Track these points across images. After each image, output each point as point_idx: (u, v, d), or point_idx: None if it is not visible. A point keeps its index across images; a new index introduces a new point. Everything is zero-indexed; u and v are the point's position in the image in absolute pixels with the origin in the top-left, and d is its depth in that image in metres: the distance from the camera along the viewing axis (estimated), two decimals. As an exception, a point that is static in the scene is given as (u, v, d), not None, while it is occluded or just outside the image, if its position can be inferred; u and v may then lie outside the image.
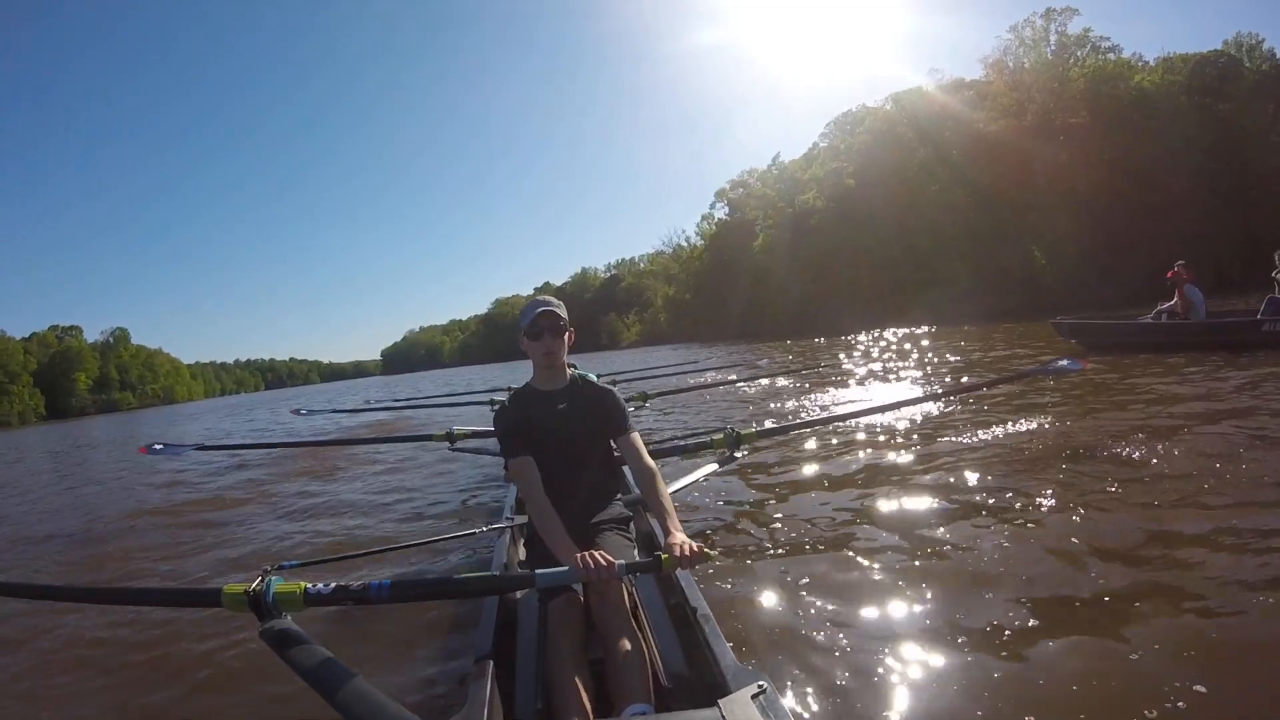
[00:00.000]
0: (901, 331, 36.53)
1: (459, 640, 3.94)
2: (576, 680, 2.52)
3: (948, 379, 8.12)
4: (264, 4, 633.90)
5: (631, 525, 3.58)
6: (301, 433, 12.22)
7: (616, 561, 2.73)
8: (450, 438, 7.93)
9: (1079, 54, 58.50)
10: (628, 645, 2.61)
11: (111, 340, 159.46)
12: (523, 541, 3.72)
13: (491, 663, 2.67)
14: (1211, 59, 56.34)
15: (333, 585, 2.77)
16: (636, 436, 3.53)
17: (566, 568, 2.77)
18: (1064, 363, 7.34)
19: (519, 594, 3.48)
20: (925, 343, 23.13)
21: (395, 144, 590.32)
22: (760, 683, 2.21)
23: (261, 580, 2.71)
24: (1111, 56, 58.16)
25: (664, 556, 2.79)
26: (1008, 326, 28.18)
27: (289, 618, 2.68)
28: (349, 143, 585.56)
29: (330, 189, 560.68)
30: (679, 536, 2.87)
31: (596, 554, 2.73)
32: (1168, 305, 14.68)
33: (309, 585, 2.74)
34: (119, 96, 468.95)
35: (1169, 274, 14.60)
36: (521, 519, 3.98)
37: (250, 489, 8.07)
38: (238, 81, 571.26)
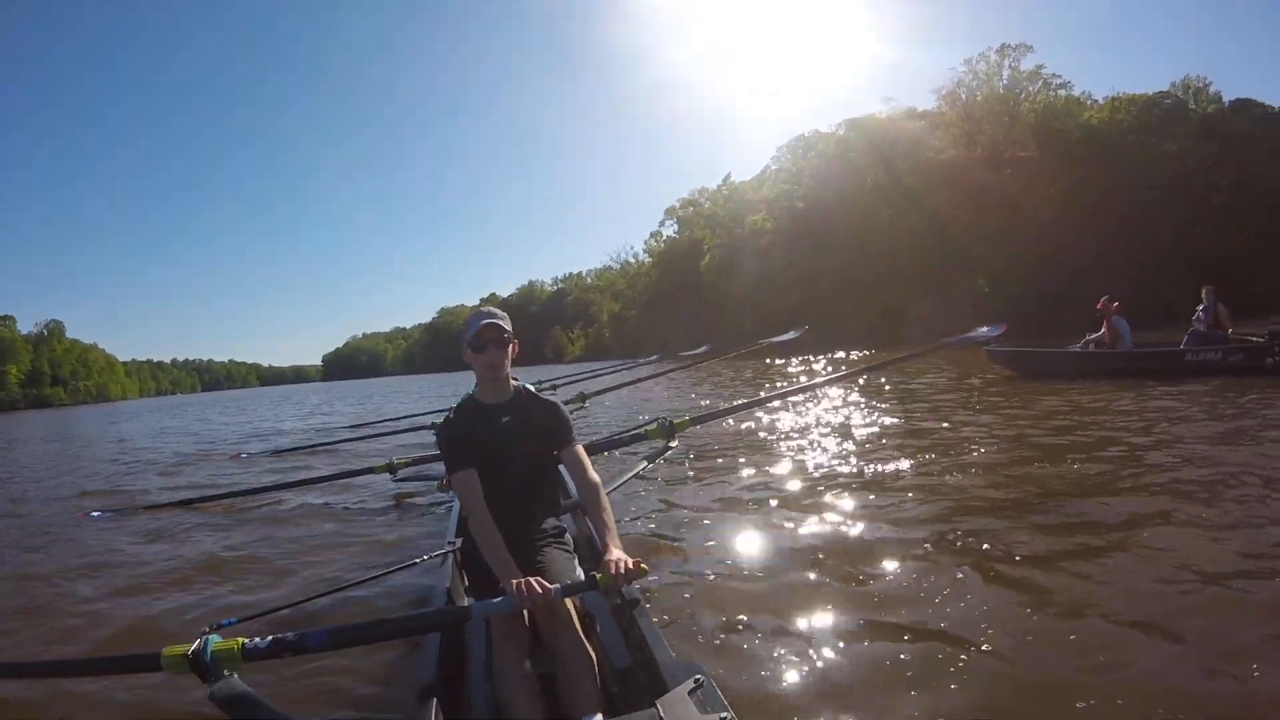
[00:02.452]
0: (853, 353, 37.89)
1: (407, 671, 3.72)
2: (525, 697, 2.54)
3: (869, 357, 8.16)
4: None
5: (569, 537, 3.57)
6: (240, 472, 11.72)
7: (552, 586, 2.77)
8: (391, 468, 8.24)
9: (1030, 89, 59.78)
10: (575, 657, 2.65)
11: (45, 333, 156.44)
12: (465, 565, 3.74)
13: (436, 690, 2.61)
14: (1158, 100, 58.21)
15: (270, 639, 2.74)
16: (580, 449, 3.55)
17: (503, 598, 2.78)
18: (984, 330, 7.66)
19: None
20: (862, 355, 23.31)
21: (344, 148, 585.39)
22: (697, 676, 2.26)
23: (200, 640, 2.68)
24: (1062, 93, 59.71)
25: (600, 576, 2.86)
26: (954, 354, 28.54)
27: (235, 676, 2.64)
28: (297, 143, 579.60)
29: (276, 190, 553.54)
30: (615, 554, 2.94)
31: (534, 581, 2.75)
32: (1096, 335, 15.34)
33: (246, 641, 2.72)
34: (58, 85, 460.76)
35: (1098, 306, 15.15)
36: (458, 541, 3.88)
37: (178, 538, 7.48)
38: (179, 75, 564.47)
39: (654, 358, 20.21)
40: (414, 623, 3.01)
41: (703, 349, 16.24)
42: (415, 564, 3.81)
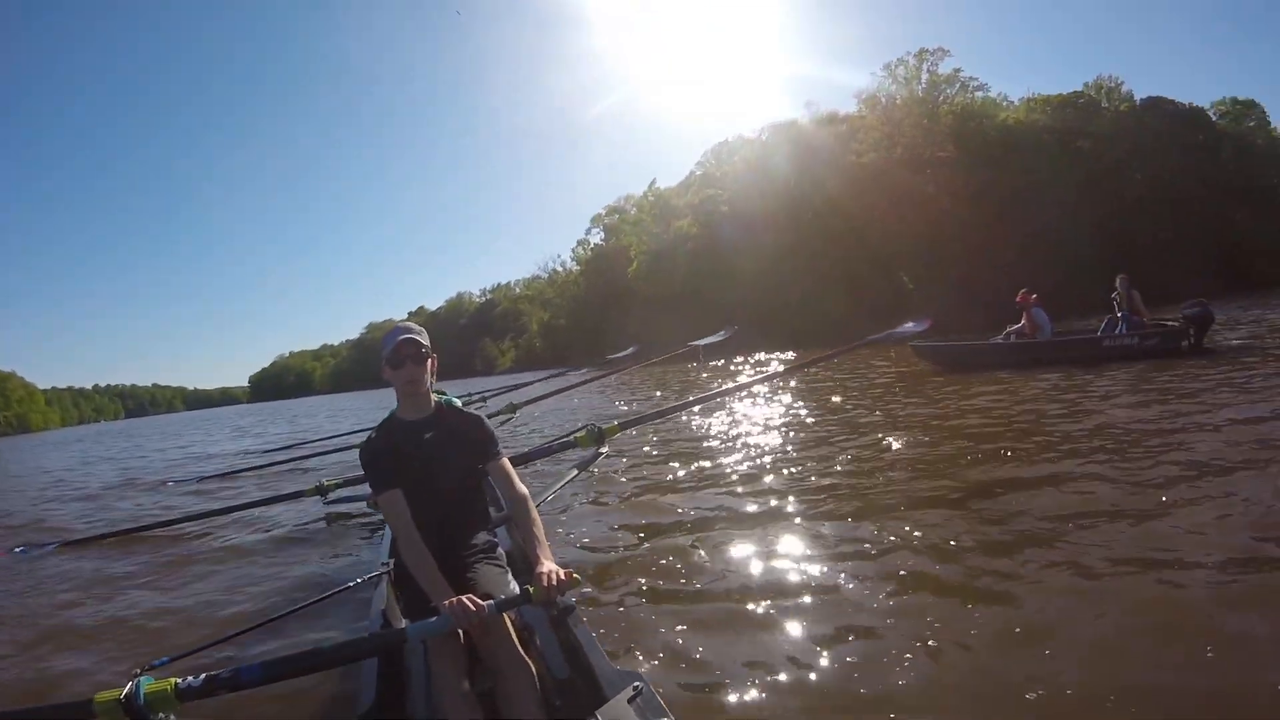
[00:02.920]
0: (775, 354, 39.12)
1: (349, 698, 3.55)
2: (466, 715, 2.54)
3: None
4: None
5: (501, 551, 3.56)
6: (168, 500, 11.56)
7: (486, 603, 2.77)
8: (321, 490, 8.11)
9: (949, 92, 60.43)
10: (514, 672, 2.66)
11: None
12: (399, 585, 3.66)
13: (377, 717, 2.68)
14: (1072, 99, 60.10)
15: (203, 677, 2.68)
16: (506, 462, 3.56)
17: (438, 618, 2.75)
18: (909, 325, 7.66)
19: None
20: (790, 357, 23.59)
21: (265, 164, 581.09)
22: (636, 684, 2.31)
23: (132, 684, 2.60)
24: (979, 95, 60.67)
25: (533, 589, 2.85)
26: (878, 349, 29.06)
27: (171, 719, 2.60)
28: (216, 159, 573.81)
29: (196, 211, 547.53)
30: (547, 565, 2.94)
31: (467, 599, 2.74)
32: (1016, 327, 15.94)
33: (179, 681, 2.65)
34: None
35: (1017, 299, 15.79)
36: (388, 563, 3.82)
37: (105, 575, 7.11)
38: (90, 82, 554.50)
39: (584, 370, 20.03)
40: (349, 650, 2.85)
41: (630, 350, 16.18)
42: (349, 587, 3.75)
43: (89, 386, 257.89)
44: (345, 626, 4.77)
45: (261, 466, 13.99)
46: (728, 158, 72.01)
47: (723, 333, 14.38)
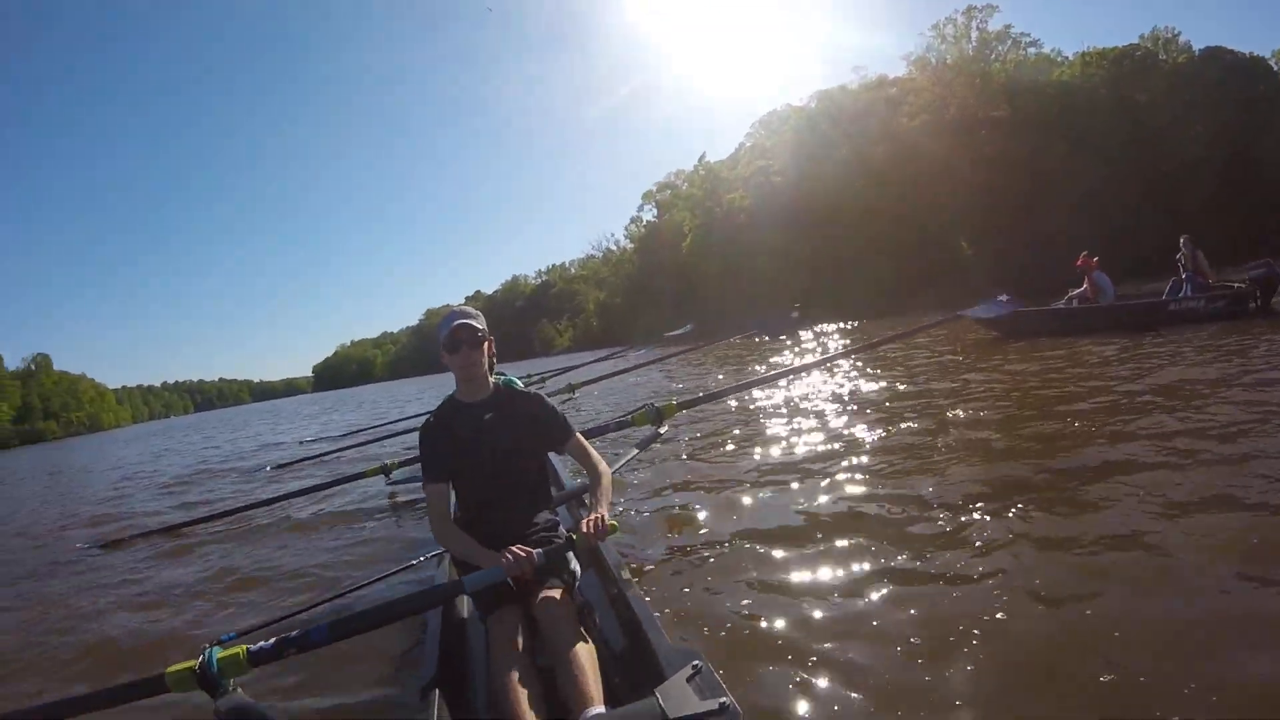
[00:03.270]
0: (837, 325, 38.02)
1: (406, 670, 3.86)
2: (524, 692, 2.50)
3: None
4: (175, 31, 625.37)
5: (562, 530, 3.54)
6: (235, 491, 11.74)
7: (535, 551, 2.87)
8: (385, 470, 8.34)
9: (1000, 50, 59.21)
10: (576, 650, 2.61)
11: (33, 367, 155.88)
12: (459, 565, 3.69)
13: (437, 689, 2.66)
14: (1129, 53, 57.76)
15: (273, 640, 2.78)
16: (580, 438, 3.63)
17: (491, 569, 2.89)
18: (997, 301, 7.15)
19: (464, 614, 3.63)
20: (848, 327, 23.20)
21: (316, 158, 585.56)
22: (695, 662, 2.26)
23: (204, 653, 2.70)
24: (1032, 51, 59.29)
25: (575, 536, 2.98)
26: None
27: (240, 691, 2.67)
28: (271, 157, 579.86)
29: (256, 206, 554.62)
30: (590, 515, 3.04)
31: (515, 549, 2.87)
32: (1078, 291, 15.53)
33: (250, 646, 2.75)
34: (34, 111, 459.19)
35: (1077, 262, 15.39)
36: None
37: (175, 562, 7.37)
38: (153, 95, 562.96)
39: (642, 350, 19.99)
40: (408, 604, 2.98)
41: (686, 328, 16.13)
42: (411, 565, 3.85)
43: (158, 384, 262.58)
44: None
45: (331, 452, 14.16)
46: (777, 128, 71.43)
47: (687, 326, 15.09)
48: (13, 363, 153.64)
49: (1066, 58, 60.53)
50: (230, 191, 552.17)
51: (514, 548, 2.87)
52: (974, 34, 59.59)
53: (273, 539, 7.77)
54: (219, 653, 2.70)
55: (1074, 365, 10.74)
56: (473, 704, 2.92)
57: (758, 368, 11.37)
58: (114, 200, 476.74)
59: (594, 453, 3.59)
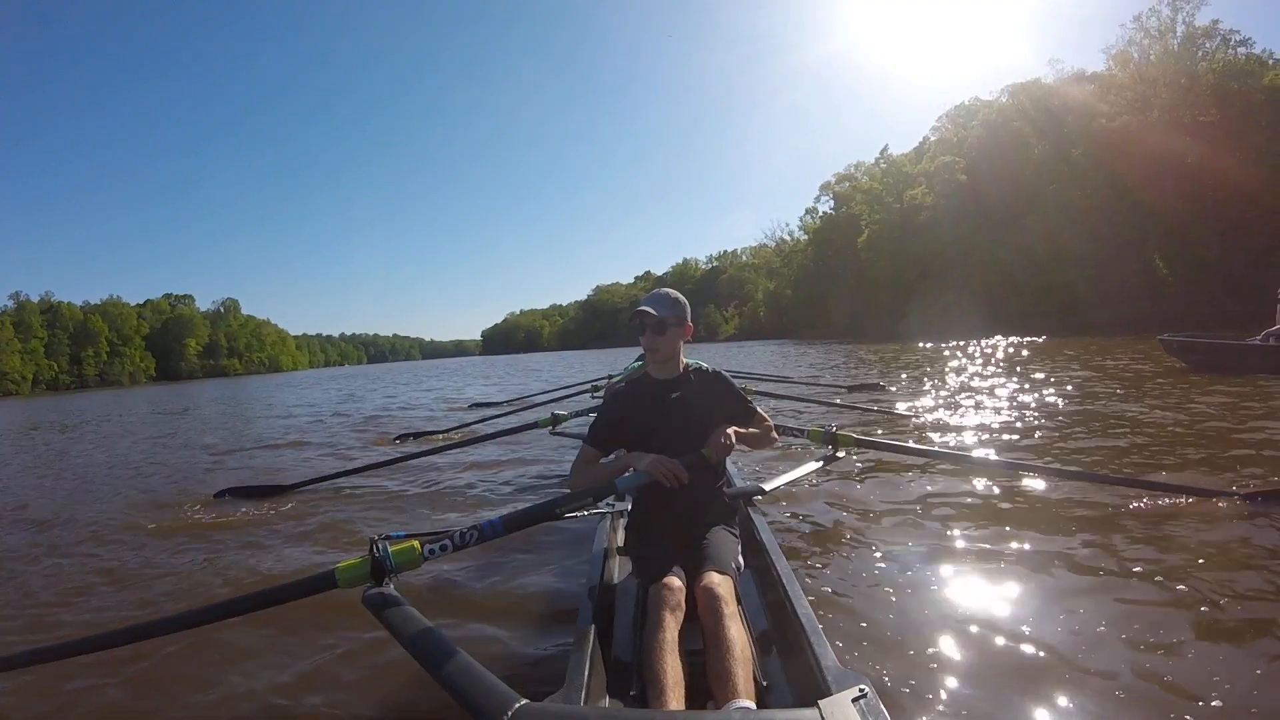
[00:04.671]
0: (1014, 340, 35.51)
1: (557, 620, 4.06)
2: (675, 667, 2.50)
3: (1092, 455, 7.39)
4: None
5: (736, 520, 3.63)
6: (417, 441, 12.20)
7: (675, 459, 3.23)
8: (554, 420, 8.62)
9: (1207, 46, 54.76)
10: (731, 638, 2.58)
11: (222, 310, 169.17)
12: (622, 526, 3.98)
13: (590, 644, 2.68)
14: None
15: (445, 537, 2.97)
16: (761, 413, 3.89)
17: (639, 472, 3.26)
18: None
19: (618, 580, 3.69)
20: (1040, 359, 22.11)
21: (504, 133, 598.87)
22: (862, 686, 2.17)
23: (378, 545, 2.82)
24: (1242, 51, 54.29)
25: (705, 451, 3.34)
26: (1126, 341, 27.20)
27: (392, 586, 2.78)
28: (458, 131, 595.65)
29: (438, 175, 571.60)
30: (725, 431, 3.41)
31: (662, 458, 3.24)
32: (1276, 328, 14.10)
33: (425, 542, 2.91)
34: (235, 86, 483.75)
35: (1277, 293, 14.36)
36: (623, 505, 4.08)
37: (353, 498, 7.83)
38: (350, 69, 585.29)
39: (821, 376, 19.69)
40: (575, 499, 3.22)
41: (880, 388, 15.45)
42: (576, 518, 3.69)
43: (336, 335, 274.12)
44: (565, 559, 5.12)
45: (506, 414, 14.51)
46: (965, 122, 69.23)
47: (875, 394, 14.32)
48: (204, 304, 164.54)
49: (1279, 60, 54.59)
50: (417, 161, 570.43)
51: (662, 457, 3.23)
52: (1179, 28, 55.43)
53: (448, 476, 8.39)
54: (393, 546, 2.83)
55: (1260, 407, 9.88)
56: (620, 666, 2.93)
57: (944, 414, 10.54)
58: (310, 164, 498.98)
59: (770, 422, 3.89)
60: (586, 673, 2.49)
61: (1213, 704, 2.81)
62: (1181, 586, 3.90)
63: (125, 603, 4.91)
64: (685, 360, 3.76)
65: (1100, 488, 5.89)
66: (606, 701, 2.69)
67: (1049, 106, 59.25)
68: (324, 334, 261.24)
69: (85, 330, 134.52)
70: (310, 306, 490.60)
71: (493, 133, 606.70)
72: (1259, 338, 14.38)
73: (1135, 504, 5.48)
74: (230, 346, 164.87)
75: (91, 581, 5.43)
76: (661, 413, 3.57)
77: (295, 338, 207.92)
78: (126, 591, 5.14)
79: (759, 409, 3.86)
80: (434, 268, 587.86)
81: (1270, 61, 54.33)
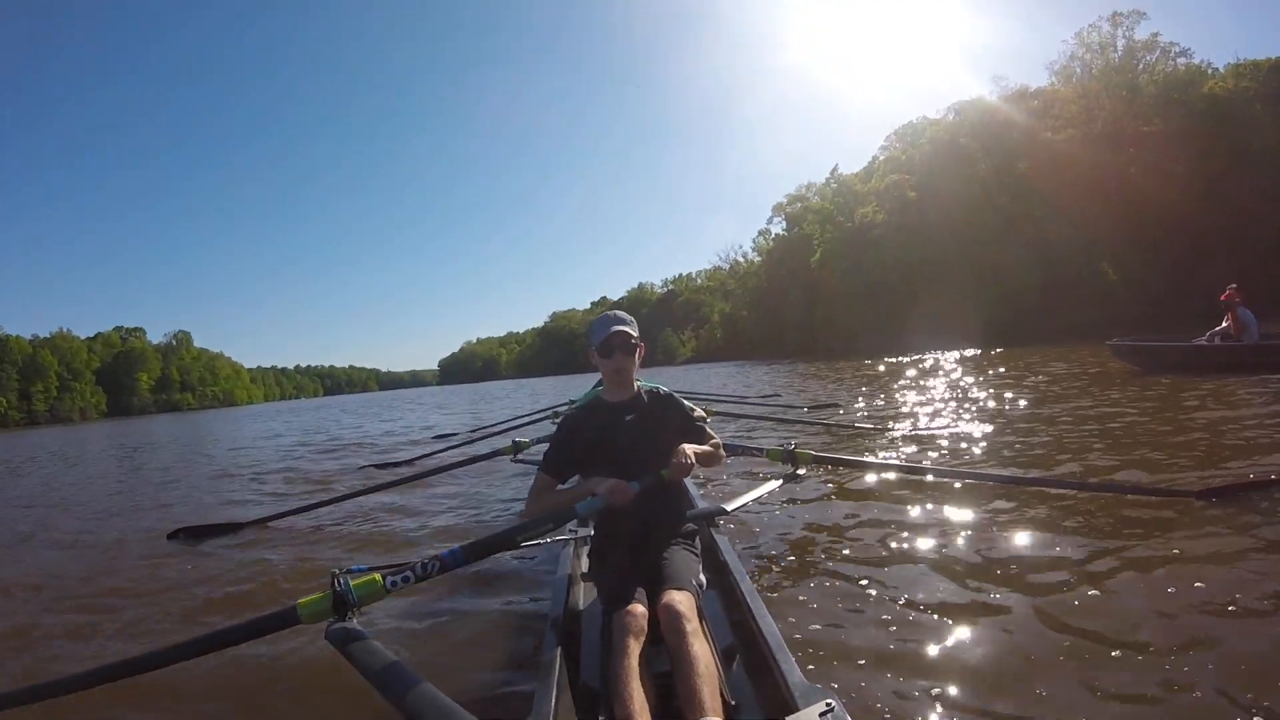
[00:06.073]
0: (968, 352, 36.56)
1: (521, 649, 3.99)
2: (641, 691, 2.47)
3: (1052, 463, 7.39)
4: (330, 11, 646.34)
5: (697, 540, 3.58)
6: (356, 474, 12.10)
7: (629, 484, 3.20)
8: (515, 448, 8.42)
9: (1148, 59, 56.50)
10: (695, 656, 2.55)
11: (174, 342, 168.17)
12: (586, 552, 3.90)
13: (555, 672, 2.65)
14: None
15: (407, 568, 2.92)
16: (712, 433, 3.78)
17: (596, 496, 3.20)
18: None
19: (583, 605, 3.67)
20: (994, 369, 22.52)
21: (452, 158, 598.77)
22: (829, 700, 2.19)
23: (338, 580, 2.77)
24: (1182, 62, 55.89)
25: (664, 472, 3.29)
26: (1078, 347, 27.76)
27: (355, 621, 2.72)
28: (406, 157, 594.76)
29: (390, 201, 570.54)
30: (685, 451, 3.35)
31: (620, 482, 3.20)
32: (1221, 328, 14.95)
33: (386, 573, 2.86)
34: (181, 104, 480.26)
35: (1222, 297, 14.86)
36: (585, 531, 4.06)
37: (299, 536, 7.57)
38: (297, 95, 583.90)
39: (779, 395, 19.92)
40: (537, 525, 3.22)
41: (837, 408, 15.35)
42: (539, 545, 3.83)
43: (291, 366, 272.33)
44: (530, 586, 5.05)
45: (460, 444, 14.36)
46: (913, 140, 70.06)
47: (838, 412, 14.34)
48: (155, 337, 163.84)
49: (1217, 69, 56.19)
50: (367, 188, 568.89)
51: (614, 480, 3.19)
52: (1120, 43, 57.17)
53: (399, 520, 7.99)
54: (355, 580, 2.79)
55: (1221, 408, 10.07)
56: (586, 693, 2.89)
57: (902, 429, 10.55)
58: (260, 191, 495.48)
59: (719, 440, 3.80)
60: (553, 700, 2.48)
61: (1176, 703, 2.83)
62: (1142, 587, 3.94)
63: (74, 654, 4.65)
64: (638, 382, 3.75)
65: (1058, 493, 5.97)
66: None
67: (994, 121, 59.99)
68: (279, 366, 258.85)
69: (34, 364, 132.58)
70: (263, 338, 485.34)
71: (443, 159, 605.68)
72: (1204, 338, 15.17)
73: (1093, 507, 5.54)
74: (183, 380, 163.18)
75: (37, 629, 5.21)
76: (616, 435, 3.54)
77: (249, 370, 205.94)
78: (77, 642, 4.89)
79: (707, 428, 3.80)
80: (388, 297, 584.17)
81: (1209, 71, 56.00)
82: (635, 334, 3.56)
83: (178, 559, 6.88)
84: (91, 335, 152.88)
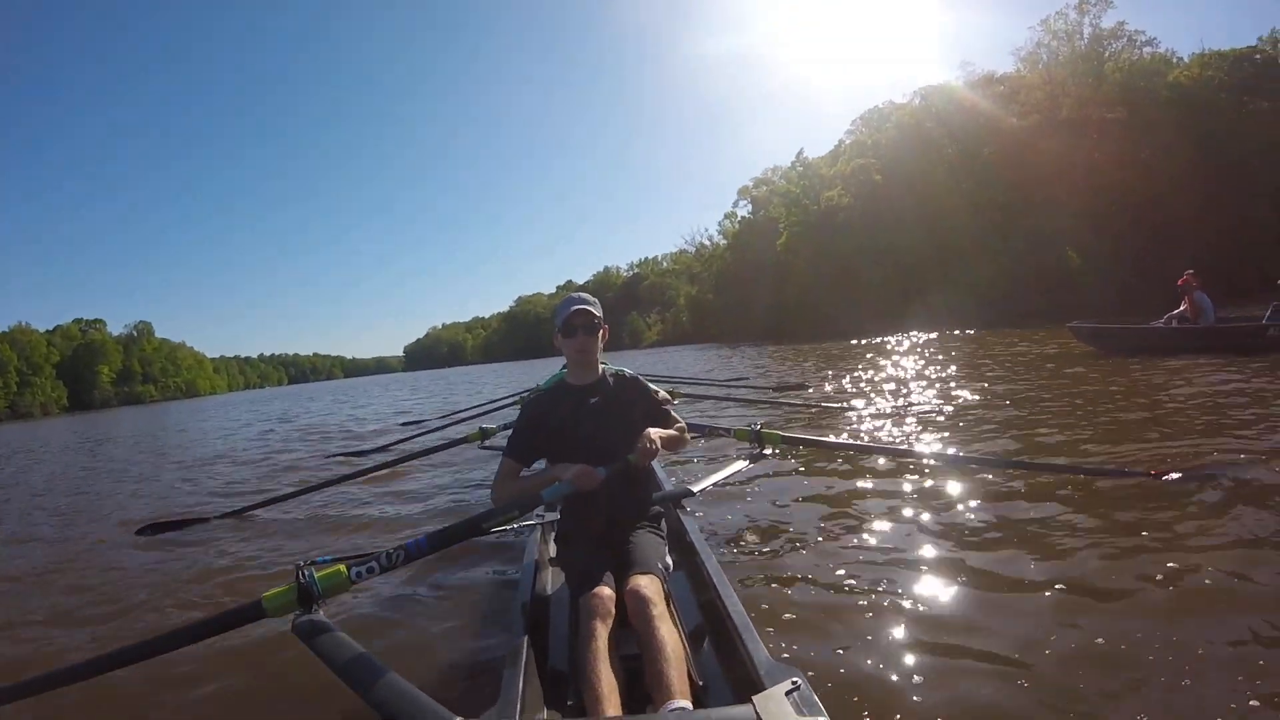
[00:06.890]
0: (933, 334, 37.36)
1: (490, 636, 4.00)
2: (609, 675, 2.49)
3: (1016, 445, 7.47)
4: (281, 7, 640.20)
5: (663, 523, 3.61)
6: (342, 461, 12.07)
7: (597, 469, 3.22)
8: (482, 434, 8.56)
9: (1114, 47, 56.72)
10: (663, 639, 2.57)
11: (135, 334, 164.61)
12: (553, 537, 3.87)
13: (523, 658, 2.64)
14: (1248, 55, 54.17)
15: (371, 559, 2.92)
16: (676, 415, 3.79)
17: (563, 482, 3.21)
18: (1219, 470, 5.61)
19: (552, 590, 3.72)
20: (958, 351, 22.87)
21: (416, 144, 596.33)
22: (795, 678, 2.20)
23: (303, 572, 2.77)
24: (1147, 51, 56.55)
25: (631, 457, 3.30)
26: (1041, 330, 28.14)
27: (321, 612, 2.72)
28: (369, 142, 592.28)
29: (353, 187, 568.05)
30: (650, 435, 3.37)
31: (586, 467, 3.22)
32: (1178, 311, 15.28)
33: (350, 565, 2.87)
34: (137, 95, 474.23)
35: (1180, 281, 15.11)
36: (552, 516, 3.95)
37: (266, 529, 7.46)
38: (258, 83, 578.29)
39: (749, 379, 19.92)
40: (502, 511, 3.21)
41: (805, 388, 15.69)
42: (506, 530, 3.69)
43: (254, 355, 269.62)
44: (497, 573, 5.08)
45: (434, 430, 14.19)
46: (879, 125, 70.00)
47: (808, 390, 14.80)
48: (116, 328, 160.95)
49: (1182, 59, 57.09)
50: (331, 176, 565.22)
51: (582, 466, 3.22)
52: (1086, 30, 57.18)
53: (366, 507, 8.02)
54: (319, 572, 2.80)
55: (1183, 385, 10.53)
56: (555, 677, 2.93)
57: (870, 411, 10.59)
58: (220, 180, 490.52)
59: (683, 423, 3.83)
60: (521, 687, 2.47)
61: (1141, 686, 2.87)
62: (1099, 567, 4.04)
63: (38, 656, 4.53)
64: (603, 365, 3.75)
65: (1019, 473, 6.08)
66: (544, 714, 2.67)
67: (960, 107, 59.98)
68: (242, 355, 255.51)
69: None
70: (226, 327, 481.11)
71: (409, 146, 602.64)
72: (1162, 320, 15.58)
73: (1055, 488, 5.69)
74: (145, 372, 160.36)
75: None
76: (581, 419, 3.53)
77: (213, 360, 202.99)
78: (40, 644, 4.74)
79: (673, 411, 3.81)
80: (354, 285, 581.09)
81: (1174, 60, 56.94)
82: (599, 313, 3.55)
83: (146, 555, 6.78)
84: (51, 328, 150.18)
